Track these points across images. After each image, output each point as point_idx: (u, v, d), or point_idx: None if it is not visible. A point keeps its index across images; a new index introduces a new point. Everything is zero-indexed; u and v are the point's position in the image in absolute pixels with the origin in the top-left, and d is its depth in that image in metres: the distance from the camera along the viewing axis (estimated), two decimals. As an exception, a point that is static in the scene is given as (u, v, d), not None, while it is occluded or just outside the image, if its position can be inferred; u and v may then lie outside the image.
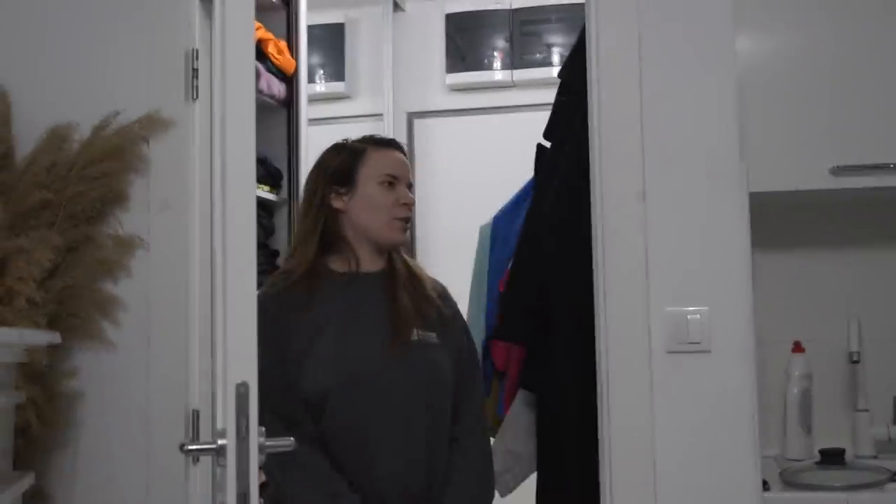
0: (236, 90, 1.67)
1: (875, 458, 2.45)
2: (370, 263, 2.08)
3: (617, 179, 2.12)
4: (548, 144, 2.47)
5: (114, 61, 2.34)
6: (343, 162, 2.07)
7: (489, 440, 2.23)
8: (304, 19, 3.28)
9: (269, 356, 1.69)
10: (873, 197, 2.46)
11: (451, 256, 3.88)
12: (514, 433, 2.47)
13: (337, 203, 2.04)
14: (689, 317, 2.07)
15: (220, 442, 1.60)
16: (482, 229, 2.83)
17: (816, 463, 2.32)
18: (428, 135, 4.12)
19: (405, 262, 2.14)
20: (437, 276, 3.91)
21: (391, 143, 2.17)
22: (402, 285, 2.08)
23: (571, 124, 2.30)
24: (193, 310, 2.31)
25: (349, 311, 2.03)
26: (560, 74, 2.46)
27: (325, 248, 2.06)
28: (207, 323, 2.21)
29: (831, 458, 2.30)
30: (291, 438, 1.86)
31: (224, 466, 1.59)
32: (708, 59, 2.14)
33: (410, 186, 2.13)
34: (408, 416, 1.98)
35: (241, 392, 1.58)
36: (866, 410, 2.49)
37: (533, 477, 2.47)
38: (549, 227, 2.30)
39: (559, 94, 2.44)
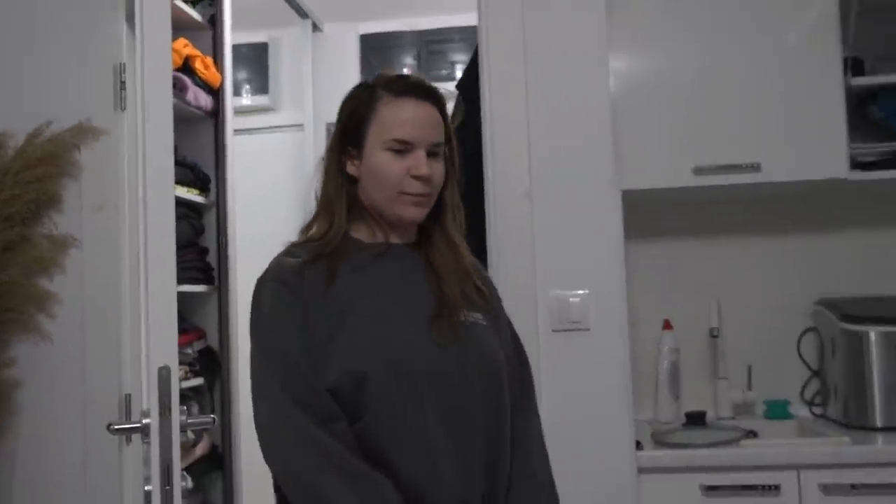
0: (155, 103, 1.63)
1: (733, 418, 2.53)
2: (400, 235, 1.52)
3: (507, 181, 2.14)
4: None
5: (46, 74, 2.25)
6: (354, 113, 1.49)
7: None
8: (229, 37, 3.21)
9: (291, 338, 1.41)
10: (730, 193, 2.51)
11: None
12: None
13: (350, 168, 1.49)
14: (570, 299, 2.10)
15: (144, 421, 1.56)
16: None
17: (683, 424, 2.38)
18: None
19: (444, 231, 1.54)
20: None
21: (412, 90, 1.47)
22: (443, 258, 1.53)
23: (468, 132, 2.29)
24: (124, 302, 2.24)
25: (385, 284, 1.48)
26: (457, 87, 2.46)
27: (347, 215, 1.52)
28: (137, 314, 2.15)
29: (695, 419, 2.37)
30: (213, 416, 1.81)
31: (149, 443, 1.56)
32: (586, 74, 2.17)
33: (439, 149, 1.47)
34: (464, 411, 1.42)
35: (164, 375, 1.54)
36: (725, 378, 2.57)
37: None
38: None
39: (457, 104, 2.43)
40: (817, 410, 2.53)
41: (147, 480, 1.56)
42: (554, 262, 2.11)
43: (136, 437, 2.09)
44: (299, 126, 3.99)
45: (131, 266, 2.20)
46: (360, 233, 1.51)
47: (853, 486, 2.09)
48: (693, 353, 2.62)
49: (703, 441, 2.22)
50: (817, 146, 2.34)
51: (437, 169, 1.47)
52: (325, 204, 1.51)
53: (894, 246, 2.61)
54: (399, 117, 1.45)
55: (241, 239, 3.30)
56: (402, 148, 1.44)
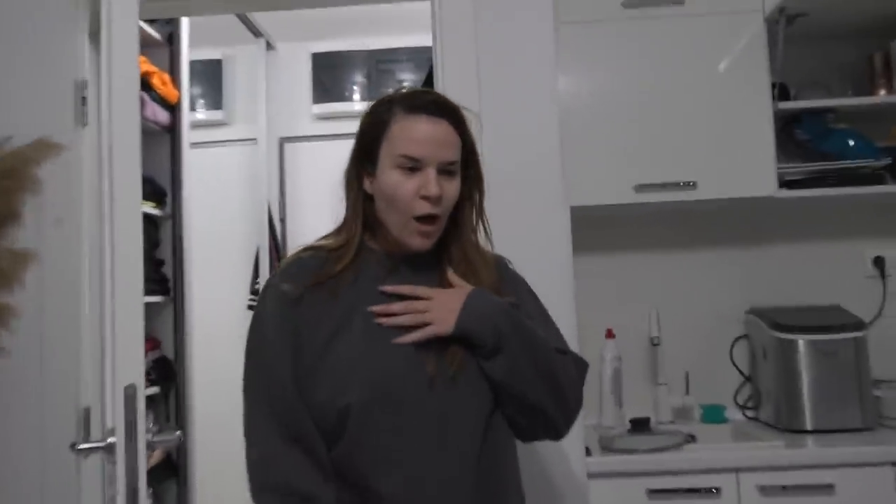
0: (123, 118, 1.54)
1: (672, 422, 2.52)
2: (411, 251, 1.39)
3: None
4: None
5: (6, 90, 2.12)
6: (369, 129, 1.38)
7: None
8: (186, 54, 3.11)
9: (281, 358, 1.31)
10: (668, 209, 2.51)
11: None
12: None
13: (366, 185, 1.39)
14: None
15: (109, 440, 1.47)
16: None
17: (628, 430, 2.35)
18: (297, 156, 4.01)
19: (461, 248, 1.42)
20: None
21: (426, 106, 1.35)
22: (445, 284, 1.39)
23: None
24: (84, 317, 2.11)
25: (387, 301, 1.35)
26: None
27: (365, 225, 1.41)
28: (97, 329, 2.03)
29: (639, 425, 2.34)
30: (178, 433, 1.71)
31: (114, 463, 1.46)
32: (535, 97, 2.12)
33: (453, 167, 1.36)
34: (451, 445, 1.29)
35: (129, 393, 1.45)
36: (665, 384, 2.55)
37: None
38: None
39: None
40: (750, 414, 2.53)
41: (112, 501, 1.47)
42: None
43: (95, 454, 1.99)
44: (252, 140, 3.89)
45: (95, 282, 2.09)
46: (378, 242, 1.41)
47: (785, 488, 2.09)
48: (634, 360, 2.60)
49: (647, 446, 2.18)
50: (749, 166, 2.36)
51: (449, 188, 1.36)
52: (346, 218, 1.43)
53: (817, 259, 2.64)
54: (410, 134, 1.33)
55: (196, 250, 3.21)
56: (412, 165, 1.33)
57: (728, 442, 2.40)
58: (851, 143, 2.43)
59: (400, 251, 1.39)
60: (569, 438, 1.99)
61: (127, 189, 1.52)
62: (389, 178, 1.34)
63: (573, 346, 2.04)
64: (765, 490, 2.09)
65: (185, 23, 3.11)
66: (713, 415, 2.52)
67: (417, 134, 1.33)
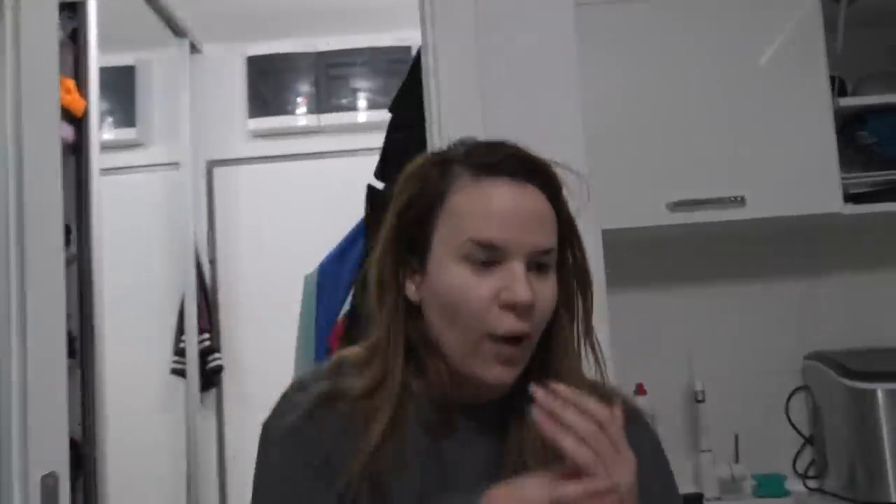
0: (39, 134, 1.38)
1: (720, 499, 2.42)
2: (482, 393, 1.09)
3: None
4: (380, 185, 2.27)
5: None
6: (416, 203, 1.09)
7: None
8: (95, 54, 2.93)
9: None
10: (709, 231, 2.46)
11: (258, 309, 3.72)
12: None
13: (409, 289, 1.09)
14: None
15: (22, 550, 1.29)
16: (307, 278, 2.61)
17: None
18: (229, 184, 3.84)
19: (556, 379, 1.01)
20: (242, 332, 3.72)
21: (504, 166, 1.07)
22: (530, 448, 1.06)
23: (408, 160, 2.12)
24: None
25: (421, 490, 1.06)
26: (391, 108, 2.28)
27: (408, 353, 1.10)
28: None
29: (691, 502, 2.23)
30: None
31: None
32: (554, 100, 2.01)
33: (548, 258, 1.06)
34: None
35: (49, 483, 1.27)
36: (709, 451, 2.45)
37: None
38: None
39: (391, 130, 2.26)
40: (813, 484, 2.45)
41: None
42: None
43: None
44: (174, 165, 3.72)
45: None
46: (420, 381, 1.10)
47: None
48: (671, 421, 2.51)
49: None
50: (807, 177, 2.33)
51: (545, 291, 1.05)
52: (379, 343, 1.09)
53: (891, 289, 2.60)
54: (483, 208, 1.04)
55: (108, 300, 3.01)
56: (488, 257, 1.03)
57: None
58: (929, 146, 2.40)
59: (459, 393, 1.09)
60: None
61: (46, 221, 1.35)
62: (452, 278, 1.04)
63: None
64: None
65: (92, 16, 2.94)
66: (770, 486, 2.44)
67: (495, 208, 1.04)
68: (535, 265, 1.04)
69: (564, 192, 1.12)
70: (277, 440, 1.09)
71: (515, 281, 1.01)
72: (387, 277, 1.08)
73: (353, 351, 1.14)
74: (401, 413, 1.06)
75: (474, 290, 1.02)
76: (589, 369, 1.14)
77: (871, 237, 2.60)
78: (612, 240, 2.02)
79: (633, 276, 2.49)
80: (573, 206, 1.13)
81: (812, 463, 2.48)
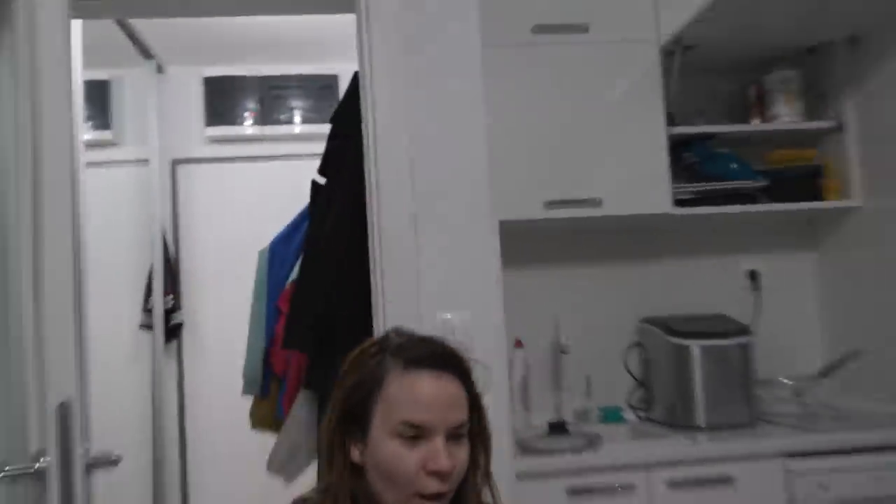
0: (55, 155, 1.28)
1: (574, 424, 2.41)
2: None
3: (392, 208, 1.91)
4: (322, 180, 2.21)
5: None
6: (357, 388, 1.09)
7: None
8: (80, 68, 2.72)
9: None
10: (574, 225, 2.46)
11: (211, 278, 3.59)
12: (297, 427, 2.16)
13: (354, 454, 1.09)
14: (456, 320, 1.90)
15: (41, 462, 1.19)
16: (260, 254, 2.51)
17: (546, 433, 2.25)
18: (190, 178, 3.69)
19: None
20: (198, 296, 3.59)
21: (429, 361, 1.08)
22: None
23: (345, 162, 2.07)
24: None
25: None
26: (332, 120, 2.21)
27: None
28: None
29: (556, 428, 2.25)
30: (118, 453, 1.39)
31: (45, 489, 1.19)
32: (466, 118, 1.96)
33: (462, 430, 1.08)
34: None
35: (63, 412, 1.19)
36: (568, 389, 2.49)
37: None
38: (330, 248, 2.04)
39: (331, 138, 2.19)
40: (642, 414, 2.50)
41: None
42: (438, 285, 1.91)
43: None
44: (144, 161, 3.54)
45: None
46: None
47: (690, 481, 2.05)
48: (542, 366, 2.53)
49: (567, 446, 2.10)
50: (647, 185, 2.35)
51: (460, 456, 1.07)
52: (328, 493, 1.09)
53: (701, 272, 2.67)
54: (412, 396, 1.05)
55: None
56: (416, 434, 1.04)
57: (628, 441, 2.32)
58: (733, 165, 2.46)
59: None
60: (499, 441, 1.88)
61: (60, 202, 1.25)
62: (387, 450, 1.04)
63: (501, 353, 1.94)
64: (673, 484, 2.05)
65: (77, 34, 2.75)
66: (611, 416, 2.48)
67: (421, 395, 1.05)
68: (453, 437, 1.06)
69: (473, 375, 1.13)
70: None
71: (438, 453, 1.03)
72: (335, 444, 1.09)
73: (311, 497, 1.12)
74: None
75: (405, 461, 1.03)
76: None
77: (691, 232, 2.65)
78: (505, 229, 2.01)
79: (520, 257, 2.46)
80: (479, 387, 1.14)
81: (642, 399, 2.53)
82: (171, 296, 3.50)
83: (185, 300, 3.60)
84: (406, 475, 1.03)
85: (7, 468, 1.19)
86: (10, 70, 1.39)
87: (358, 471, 1.08)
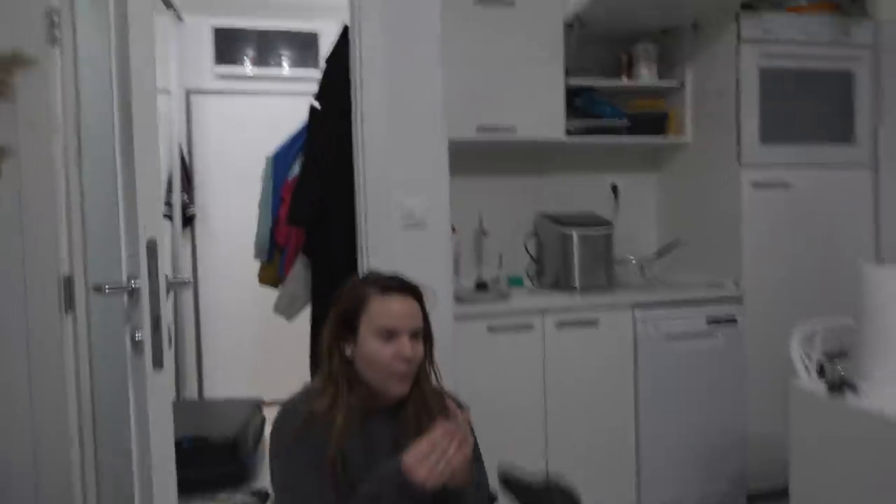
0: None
1: (491, 285, 2.51)
2: (387, 399, 1.22)
3: (372, 122, 1.92)
4: (318, 105, 2.18)
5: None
6: (349, 308, 1.21)
7: None
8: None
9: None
10: (494, 147, 2.49)
11: (218, 181, 3.51)
12: (296, 282, 2.21)
13: (347, 351, 1.21)
14: (415, 204, 1.96)
15: (133, 284, 1.22)
16: (268, 159, 2.46)
17: (474, 289, 2.36)
18: (202, 105, 3.53)
19: (421, 392, 1.24)
20: (207, 193, 3.51)
21: (396, 289, 1.21)
22: (407, 427, 1.20)
23: (334, 92, 2.05)
24: (59, 199, 1.72)
25: (358, 452, 1.17)
26: (326, 61, 2.17)
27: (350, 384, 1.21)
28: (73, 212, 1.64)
29: (481, 286, 2.36)
30: (187, 276, 1.42)
31: (137, 303, 1.21)
32: (427, 63, 1.95)
33: (419, 332, 1.21)
34: None
35: (151, 246, 1.20)
36: (486, 263, 2.57)
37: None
38: (324, 152, 2.05)
39: (323, 77, 2.15)
40: (536, 282, 2.61)
41: (135, 332, 1.23)
42: (404, 176, 1.93)
43: (76, 313, 1.65)
44: (165, 91, 3.36)
45: (68, 172, 1.69)
46: (354, 400, 1.19)
47: (570, 322, 2.20)
48: (469, 244, 2.59)
49: (487, 298, 2.23)
50: (548, 118, 2.38)
51: (419, 349, 1.21)
52: (332, 379, 1.20)
53: (581, 184, 2.74)
54: (388, 309, 1.19)
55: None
56: (390, 335, 1.18)
57: (528, 296, 2.41)
58: (607, 109, 2.53)
59: (374, 403, 1.21)
60: (444, 294, 1.98)
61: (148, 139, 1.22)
62: (371, 346, 1.18)
63: (446, 227, 1.99)
64: (559, 324, 2.20)
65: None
66: (515, 282, 2.59)
67: (393, 310, 1.19)
68: (413, 336, 1.20)
69: (424, 299, 1.25)
70: (287, 443, 1.14)
71: (405, 346, 1.18)
72: (333, 345, 1.22)
73: (314, 384, 1.23)
74: (347, 415, 1.17)
75: (383, 352, 1.18)
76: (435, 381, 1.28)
77: (576, 156, 2.70)
78: (452, 147, 2.05)
79: (456, 169, 2.45)
80: (429, 305, 1.26)
81: (536, 271, 2.62)
82: (187, 193, 3.41)
83: (197, 196, 3.51)
84: (383, 360, 1.18)
85: (108, 286, 1.21)
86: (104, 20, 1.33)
87: (349, 363, 1.21)
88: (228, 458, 2.55)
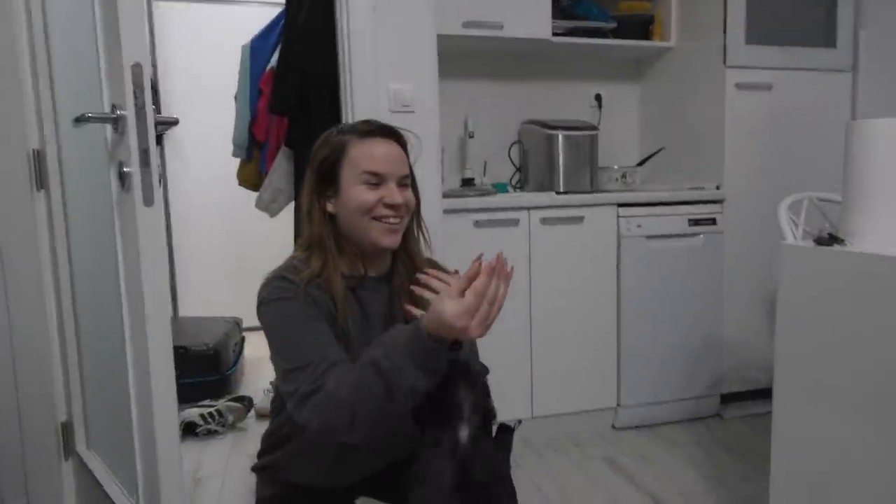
0: None
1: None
2: (376, 266, 1.15)
3: (356, 7, 1.84)
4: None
5: None
6: (327, 158, 1.11)
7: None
8: None
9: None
10: (480, 45, 2.42)
11: (186, 93, 3.39)
12: (279, 175, 2.14)
13: (329, 207, 1.12)
14: (403, 89, 1.91)
15: (119, 112, 1.15)
16: (243, 48, 2.34)
17: (460, 186, 2.34)
18: (167, 17, 3.37)
19: (409, 257, 1.17)
20: (176, 105, 3.37)
21: (378, 132, 1.12)
22: (400, 293, 1.13)
23: None
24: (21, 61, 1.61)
25: (355, 323, 1.10)
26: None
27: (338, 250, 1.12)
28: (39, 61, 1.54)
29: (467, 182, 2.34)
30: (176, 116, 1.35)
31: (123, 134, 1.15)
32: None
33: (407, 180, 1.13)
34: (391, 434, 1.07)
35: (136, 72, 1.13)
36: (471, 168, 2.53)
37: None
38: (305, 35, 1.96)
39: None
40: (519, 190, 2.61)
41: (120, 168, 1.17)
42: (391, 61, 1.88)
43: (50, 191, 1.56)
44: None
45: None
46: (342, 265, 1.12)
47: (555, 218, 2.21)
48: (453, 147, 2.57)
49: (474, 193, 2.21)
50: (536, 19, 2.33)
51: (409, 197, 1.13)
52: (317, 241, 1.10)
53: (566, 93, 2.72)
54: (370, 154, 1.09)
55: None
56: (376, 180, 1.08)
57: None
58: (595, 10, 2.50)
59: (363, 265, 1.13)
60: (433, 187, 1.94)
61: None
62: (355, 193, 1.09)
63: (434, 116, 1.94)
64: (544, 221, 2.21)
65: None
66: (500, 188, 2.56)
67: (377, 153, 1.09)
68: (401, 184, 1.12)
69: (409, 146, 1.17)
70: (292, 298, 1.05)
71: (392, 191, 1.09)
72: (313, 203, 1.12)
73: (297, 253, 1.13)
74: (340, 280, 1.09)
75: (368, 196, 1.09)
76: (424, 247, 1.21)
77: (562, 63, 2.67)
78: (438, 44, 1.98)
79: (441, 71, 2.45)
80: (412, 155, 1.17)
81: (519, 180, 2.62)
82: (155, 106, 3.27)
83: (164, 110, 3.38)
84: (368, 205, 1.09)
85: (90, 113, 1.14)
86: None
87: (331, 219, 1.13)
88: (210, 368, 2.51)
